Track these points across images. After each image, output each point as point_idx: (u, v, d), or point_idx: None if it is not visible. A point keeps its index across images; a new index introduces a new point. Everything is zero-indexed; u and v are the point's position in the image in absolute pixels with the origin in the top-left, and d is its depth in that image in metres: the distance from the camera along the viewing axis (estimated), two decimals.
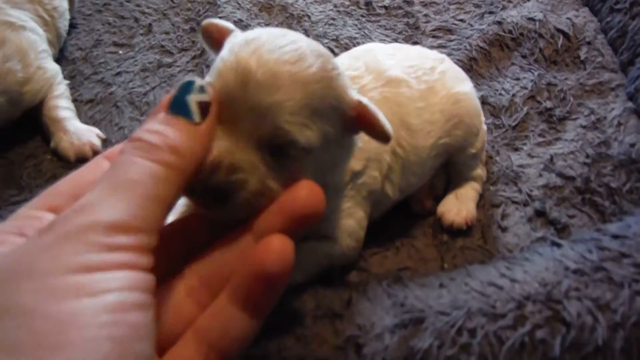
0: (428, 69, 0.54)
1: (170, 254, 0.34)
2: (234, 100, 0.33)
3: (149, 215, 0.27)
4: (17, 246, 0.26)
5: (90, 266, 0.24)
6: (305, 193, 0.32)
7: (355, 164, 0.47)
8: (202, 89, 0.31)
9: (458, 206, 0.57)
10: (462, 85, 0.57)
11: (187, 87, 0.31)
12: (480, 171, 0.61)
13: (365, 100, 0.38)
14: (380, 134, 0.38)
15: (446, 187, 0.62)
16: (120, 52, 0.90)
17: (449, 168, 0.60)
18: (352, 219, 0.48)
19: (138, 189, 0.27)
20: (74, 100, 0.79)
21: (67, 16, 0.89)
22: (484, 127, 0.61)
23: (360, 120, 0.38)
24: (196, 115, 0.31)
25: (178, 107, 0.30)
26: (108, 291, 0.24)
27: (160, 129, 0.29)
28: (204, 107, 0.31)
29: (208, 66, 0.82)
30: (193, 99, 0.31)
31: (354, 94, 0.38)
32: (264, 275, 0.30)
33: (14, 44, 0.72)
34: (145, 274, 0.26)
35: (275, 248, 0.30)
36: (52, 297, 0.23)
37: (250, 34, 0.36)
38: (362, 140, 0.45)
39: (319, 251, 0.48)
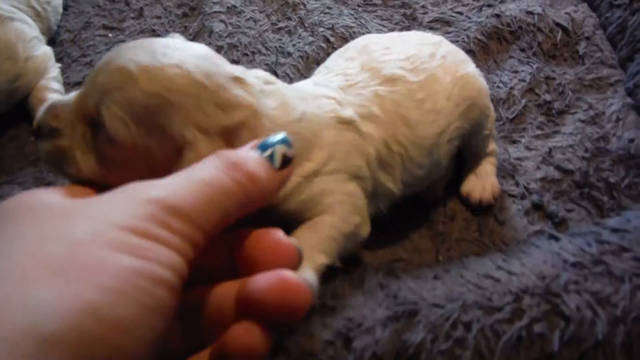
0: (427, 57, 0.52)
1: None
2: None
3: (208, 218, 0.28)
4: None
5: (139, 231, 0.25)
6: (281, 284, 0.27)
7: (308, 166, 0.43)
8: (289, 145, 0.33)
9: (482, 183, 0.58)
10: (467, 66, 0.55)
11: (280, 138, 0.33)
12: (493, 146, 0.60)
13: (201, 144, 0.36)
14: None
15: (460, 168, 0.60)
16: (110, 35, 0.87)
17: (463, 151, 0.58)
18: (337, 194, 0.44)
19: (208, 192, 0.28)
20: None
21: (60, 10, 0.87)
22: (491, 104, 0.60)
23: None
24: (277, 163, 0.32)
25: (264, 149, 0.32)
26: (147, 259, 0.25)
27: (247, 155, 0.31)
28: (286, 160, 0.32)
29: None
30: (280, 149, 0.32)
31: (196, 135, 0.36)
32: None
33: (3, 41, 0.69)
34: (183, 263, 0.26)
35: (235, 342, 0.27)
36: (98, 240, 0.24)
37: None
38: (322, 137, 0.43)
39: (325, 223, 0.43)
